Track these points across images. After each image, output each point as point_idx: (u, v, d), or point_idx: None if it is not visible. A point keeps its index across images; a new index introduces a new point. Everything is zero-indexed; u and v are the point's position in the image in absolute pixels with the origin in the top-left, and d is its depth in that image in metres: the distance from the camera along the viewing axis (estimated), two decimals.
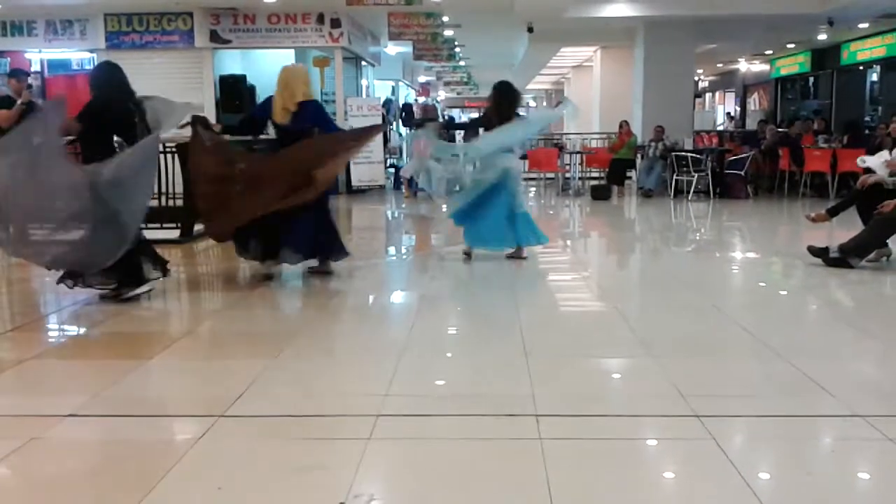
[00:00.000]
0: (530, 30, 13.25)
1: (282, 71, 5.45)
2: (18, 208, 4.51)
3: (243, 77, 12.50)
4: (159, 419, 2.99)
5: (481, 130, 6.39)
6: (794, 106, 20.35)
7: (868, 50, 15.90)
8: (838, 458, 2.63)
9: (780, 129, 13.55)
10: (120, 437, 2.79)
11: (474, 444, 2.67)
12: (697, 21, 12.69)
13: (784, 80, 20.79)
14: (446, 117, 21.76)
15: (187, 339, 4.20)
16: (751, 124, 19.62)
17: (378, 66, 16.28)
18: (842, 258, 5.75)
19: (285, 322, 4.84)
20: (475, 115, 34.17)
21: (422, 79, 25.50)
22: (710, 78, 26.03)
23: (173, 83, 11.48)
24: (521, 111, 6.50)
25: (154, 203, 6.67)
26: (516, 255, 6.25)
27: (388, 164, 14.07)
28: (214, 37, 12.22)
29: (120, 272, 4.72)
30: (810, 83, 19.79)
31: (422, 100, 24.77)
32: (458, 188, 6.33)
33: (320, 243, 5.47)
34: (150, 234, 5.37)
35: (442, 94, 30.97)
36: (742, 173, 11.46)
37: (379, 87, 17.63)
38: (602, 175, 13.26)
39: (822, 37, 15.55)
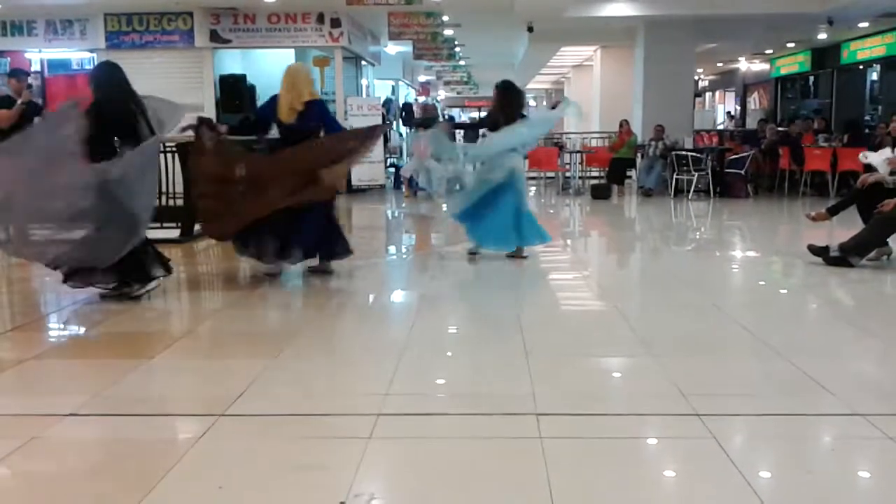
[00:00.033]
0: (530, 29, 13.25)
1: (287, 70, 5.47)
2: (23, 208, 4.52)
3: (243, 77, 12.50)
4: (159, 418, 2.99)
5: (481, 131, 6.39)
6: (795, 105, 20.36)
7: (868, 49, 15.90)
8: (839, 457, 2.63)
9: (780, 129, 13.55)
10: (120, 437, 2.79)
11: (475, 443, 2.67)
12: (697, 20, 12.69)
13: (784, 80, 20.79)
14: (446, 116, 21.73)
15: (187, 338, 4.20)
16: (751, 123, 19.61)
17: (378, 66, 16.28)
18: (842, 257, 5.75)
19: (285, 322, 4.84)
20: (475, 114, 34.22)
21: (422, 78, 25.50)
22: (711, 77, 26.04)
23: (173, 83, 11.50)
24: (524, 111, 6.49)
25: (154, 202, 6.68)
26: (517, 255, 6.24)
27: (388, 164, 14.06)
28: (214, 36, 12.22)
29: (122, 271, 4.72)
30: (810, 82, 19.79)
31: (422, 99, 24.74)
32: (458, 187, 6.32)
33: (325, 242, 5.48)
34: (150, 234, 5.36)
35: (442, 94, 30.97)
36: (742, 172, 11.46)
37: (379, 87, 17.63)
38: (602, 174, 13.26)
39: (822, 36, 15.55)
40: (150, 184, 4.87)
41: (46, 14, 12.04)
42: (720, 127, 21.12)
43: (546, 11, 12.03)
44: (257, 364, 3.49)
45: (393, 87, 20.30)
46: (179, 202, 7.51)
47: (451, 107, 34.81)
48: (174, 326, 4.69)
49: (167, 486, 2.33)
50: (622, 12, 12.35)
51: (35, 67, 12.53)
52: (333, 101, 12.59)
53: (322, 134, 5.46)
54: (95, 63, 11.41)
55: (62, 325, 4.61)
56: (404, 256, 7.57)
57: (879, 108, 16.49)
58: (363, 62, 14.68)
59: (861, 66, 16.88)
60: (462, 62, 20.59)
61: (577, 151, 13.64)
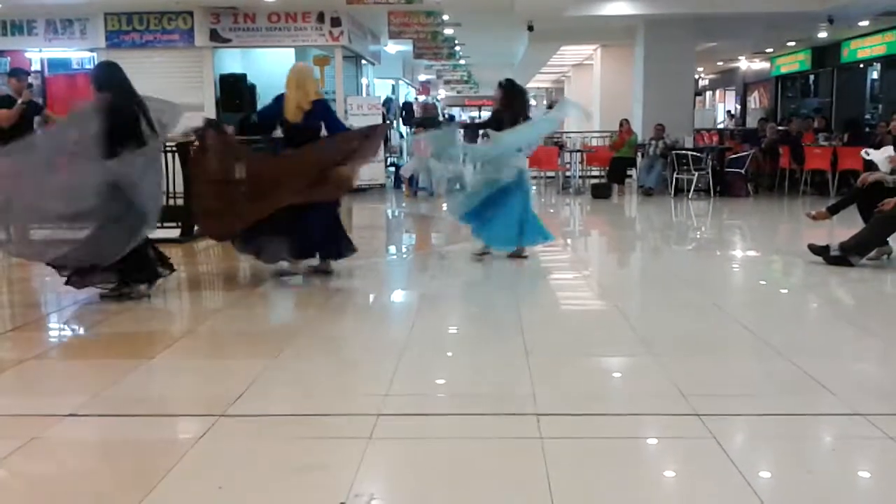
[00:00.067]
0: (530, 28, 13.24)
1: (294, 70, 5.50)
2: (27, 208, 4.52)
3: (243, 76, 12.50)
4: (159, 419, 2.99)
5: (480, 131, 6.37)
6: (795, 104, 20.34)
7: (868, 48, 15.88)
8: (839, 457, 2.63)
9: (780, 128, 13.54)
10: (120, 437, 2.79)
11: (475, 443, 2.66)
12: (698, 19, 12.68)
13: (784, 78, 20.77)
14: (446, 116, 21.74)
15: (187, 338, 4.20)
16: (751, 122, 19.60)
17: (378, 65, 16.27)
18: (842, 256, 5.75)
19: (285, 322, 4.84)
20: (475, 113, 34.10)
21: (422, 77, 25.49)
22: (711, 76, 26.01)
23: (173, 82, 11.50)
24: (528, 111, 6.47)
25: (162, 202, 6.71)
26: (517, 254, 6.24)
27: (388, 163, 14.06)
28: (214, 36, 12.22)
29: (123, 271, 4.73)
30: (811, 81, 19.77)
31: (422, 98, 24.74)
32: (458, 187, 6.31)
33: (331, 241, 5.49)
34: (150, 234, 5.37)
35: (442, 93, 30.96)
36: (742, 171, 11.45)
37: (379, 86, 17.62)
38: (602, 173, 13.26)
39: (823, 35, 15.54)
40: (159, 183, 4.92)
41: (46, 13, 12.03)
42: (720, 126, 21.10)
43: (546, 10, 12.02)
44: (257, 364, 3.49)
45: (393, 86, 20.29)
46: (180, 202, 7.50)
47: (451, 106, 34.82)
48: (174, 326, 4.69)
49: (167, 486, 2.33)
50: (622, 11, 12.35)
51: (35, 67, 12.53)
52: (334, 100, 12.58)
53: (323, 133, 5.47)
54: (96, 62, 11.40)
55: (62, 326, 4.61)
56: (404, 256, 7.57)
57: (880, 106, 16.47)
58: (363, 61, 14.67)
59: (861, 65, 16.86)
60: (462, 61, 20.58)
61: (578, 151, 13.64)
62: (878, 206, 5.75)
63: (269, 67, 12.53)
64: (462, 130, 6.45)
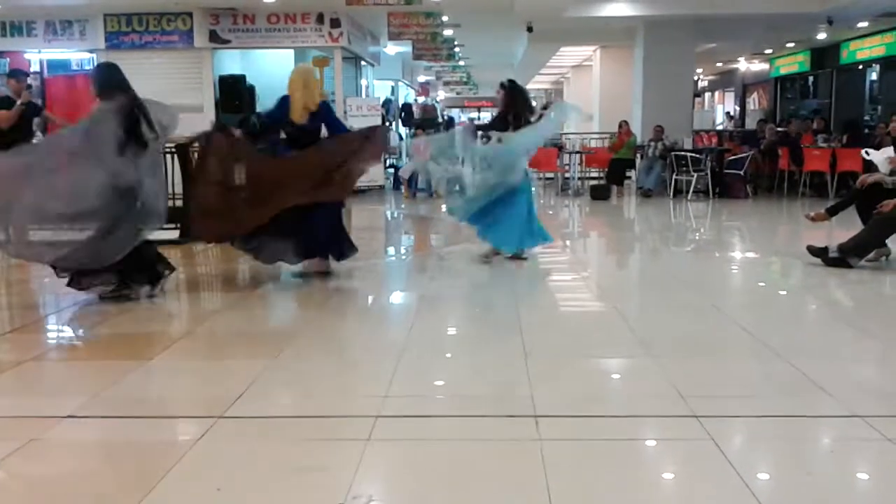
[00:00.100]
0: (530, 29, 13.25)
1: (298, 71, 5.52)
2: (29, 208, 4.52)
3: (243, 77, 12.49)
4: (159, 420, 2.99)
5: (479, 132, 6.36)
6: (794, 105, 20.35)
7: (867, 49, 15.90)
8: (838, 459, 2.63)
9: (779, 129, 13.55)
10: (119, 438, 2.79)
11: (474, 444, 2.67)
12: (697, 20, 12.69)
13: (783, 80, 20.79)
14: (445, 117, 21.74)
15: (187, 339, 4.20)
16: (750, 124, 19.62)
17: (377, 66, 16.28)
18: (841, 258, 5.75)
19: (285, 322, 4.85)
20: (474, 114, 34.04)
21: (421, 78, 25.50)
22: (710, 77, 26.04)
23: (173, 83, 11.51)
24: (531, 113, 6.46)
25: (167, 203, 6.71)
26: (517, 256, 6.24)
27: (387, 165, 14.07)
28: (214, 37, 12.22)
29: (123, 272, 4.73)
30: (810, 82, 19.79)
31: (421, 99, 24.77)
32: (458, 188, 6.30)
33: (334, 242, 5.50)
34: (150, 235, 5.37)
35: (441, 94, 30.97)
36: (741, 173, 11.46)
37: (378, 87, 17.63)
38: (601, 175, 13.26)
39: (822, 36, 15.55)
40: (161, 184, 4.95)
41: (46, 14, 12.03)
42: (719, 127, 21.13)
43: (546, 11, 12.03)
44: (257, 365, 3.49)
45: (392, 87, 20.30)
46: (178, 203, 7.49)
47: (450, 107, 34.83)
48: (173, 327, 4.69)
49: (166, 487, 2.33)
50: (622, 12, 12.36)
51: (34, 68, 12.53)
52: (333, 101, 12.58)
53: (323, 134, 5.49)
54: (95, 63, 11.40)
55: (61, 327, 4.61)
56: (404, 257, 7.58)
57: (879, 108, 16.49)
58: (363, 62, 14.68)
59: (860, 66, 16.88)
60: (462, 62, 20.59)
61: (577, 152, 13.64)
62: (876, 208, 5.75)
63: (269, 68, 12.54)
64: (479, 132, 6.37)
